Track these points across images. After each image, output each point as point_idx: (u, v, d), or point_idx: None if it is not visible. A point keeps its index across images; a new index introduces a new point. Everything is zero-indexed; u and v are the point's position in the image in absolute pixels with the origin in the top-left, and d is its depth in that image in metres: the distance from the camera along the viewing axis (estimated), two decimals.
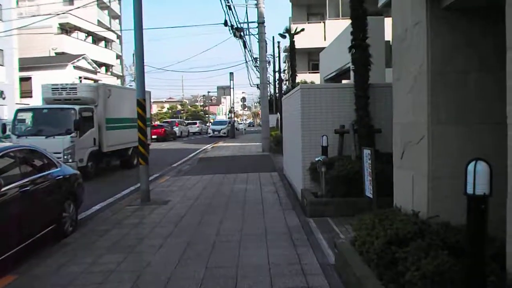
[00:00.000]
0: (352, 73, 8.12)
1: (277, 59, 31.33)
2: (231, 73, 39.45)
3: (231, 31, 19.06)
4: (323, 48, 26.92)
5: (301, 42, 24.84)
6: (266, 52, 22.00)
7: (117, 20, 63.16)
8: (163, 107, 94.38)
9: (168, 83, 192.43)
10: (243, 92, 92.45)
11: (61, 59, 37.49)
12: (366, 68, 7.69)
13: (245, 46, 22.78)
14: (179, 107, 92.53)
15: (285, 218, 7.07)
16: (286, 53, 60.61)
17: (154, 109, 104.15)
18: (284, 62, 51.17)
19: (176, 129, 44.28)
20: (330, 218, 6.91)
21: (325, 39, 27.24)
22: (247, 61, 29.97)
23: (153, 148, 30.17)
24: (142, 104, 8.83)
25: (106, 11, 57.71)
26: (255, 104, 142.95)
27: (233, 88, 40.51)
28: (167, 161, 19.39)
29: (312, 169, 7.87)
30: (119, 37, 62.48)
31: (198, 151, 25.00)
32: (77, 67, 37.38)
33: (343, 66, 13.16)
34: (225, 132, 41.18)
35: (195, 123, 57.16)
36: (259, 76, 55.08)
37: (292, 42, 21.36)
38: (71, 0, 51.66)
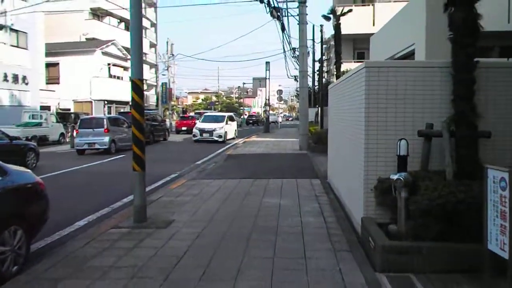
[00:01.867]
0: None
1: (318, 46, 28.39)
2: (267, 63, 36.81)
3: (267, 10, 16.39)
4: (372, 34, 23.95)
5: (346, 28, 21.94)
6: (307, 37, 19.18)
7: (152, 8, 61.53)
8: (197, 98, 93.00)
9: (203, 72, 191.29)
10: (279, 85, 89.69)
11: (89, 45, 35.89)
12: (473, 36, 4.92)
13: (283, 30, 20.07)
14: (214, 98, 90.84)
15: (341, 272, 4.40)
16: (325, 45, 57.51)
17: (189, 99, 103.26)
18: (324, 54, 48.08)
19: None
20: (416, 277, 4.22)
21: (374, 24, 24.28)
22: (285, 51, 27.24)
23: (182, 140, 28.10)
24: (138, 87, 6.35)
25: None
26: (292, 97, 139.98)
27: (269, 79, 37.83)
28: (192, 157, 17.09)
29: (382, 190, 5.17)
30: (154, 25, 60.94)
31: (228, 146, 22.59)
32: (106, 53, 35.69)
33: (405, 48, 10.32)
34: (220, 135, 24.68)
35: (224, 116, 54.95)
36: (297, 67, 52.46)
37: (337, 25, 18.51)
38: None
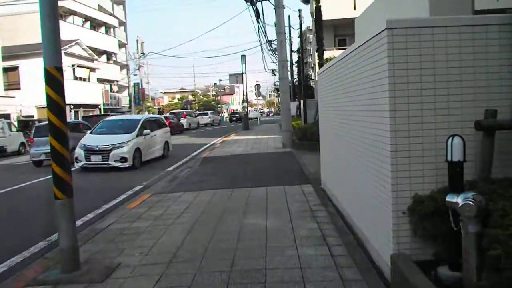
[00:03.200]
0: None
1: (294, 36, 26.59)
2: (243, 56, 34.86)
3: None
4: (353, 18, 22.32)
5: (325, 13, 20.26)
6: (284, 23, 17.34)
7: (120, 6, 58.96)
8: (174, 98, 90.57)
9: (178, 71, 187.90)
10: (257, 81, 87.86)
11: None
12: None
13: (258, 17, 18.19)
14: (190, 97, 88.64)
15: None
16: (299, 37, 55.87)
17: (165, 100, 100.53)
18: (299, 42, 46.36)
19: (183, 120, 40.09)
20: None
21: (355, 8, 22.56)
22: (261, 44, 25.40)
23: None
24: (55, 78, 4.42)
25: None
26: (270, 93, 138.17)
27: (245, 73, 35.91)
28: (164, 162, 15.14)
29: (421, 215, 3.36)
30: (123, 23, 58.37)
31: (204, 147, 20.66)
32: (69, 54, 33.21)
33: None
34: (123, 156, 14.09)
35: (206, 114, 53.50)
36: (274, 61, 50.73)
37: (318, 8, 16.76)
38: None
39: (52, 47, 4.42)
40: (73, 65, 33.36)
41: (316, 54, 19.26)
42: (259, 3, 17.86)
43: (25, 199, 10.11)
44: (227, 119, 73.26)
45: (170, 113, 45.96)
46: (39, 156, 16.61)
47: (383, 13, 9.88)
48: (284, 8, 16.86)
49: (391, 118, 3.57)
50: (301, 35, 22.18)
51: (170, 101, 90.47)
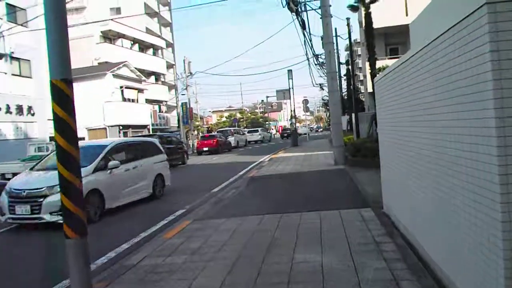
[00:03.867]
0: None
1: (343, 47, 25.52)
2: (290, 71, 34.06)
3: (283, 3, 13.70)
4: (405, 25, 21.04)
5: (375, 21, 19.12)
6: (332, 33, 16.36)
7: (168, 28, 60.12)
8: (222, 116, 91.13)
9: (226, 89, 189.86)
10: (304, 96, 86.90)
11: (100, 68, 33.99)
12: None
13: (303, 27, 17.33)
14: (238, 115, 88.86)
15: None
16: (348, 51, 54.51)
17: (214, 118, 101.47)
18: (346, 56, 45.01)
19: (231, 139, 39.67)
20: None
21: (407, 14, 21.30)
22: (308, 58, 24.48)
23: (201, 163, 25.54)
24: (62, 93, 3.69)
25: (155, 19, 54.62)
26: (318, 108, 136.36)
27: (292, 88, 35.05)
28: (210, 183, 14.43)
29: None
30: (170, 45, 59.36)
31: (252, 165, 19.84)
32: (118, 76, 33.66)
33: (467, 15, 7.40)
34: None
35: (257, 131, 53.54)
36: (321, 75, 49.45)
37: (367, 15, 15.69)
38: (118, 9, 49.04)
39: (58, 57, 3.69)
40: (121, 87, 33.79)
41: (367, 63, 18.11)
42: (305, 13, 16.98)
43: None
44: (275, 135, 72.63)
45: (218, 131, 45.91)
46: None
47: (441, 15, 8.76)
48: (332, 17, 15.90)
49: (498, 126, 2.53)
50: (350, 44, 21.08)
51: (218, 119, 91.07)
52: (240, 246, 5.81)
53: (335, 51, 25.85)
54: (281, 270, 4.70)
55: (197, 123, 73.62)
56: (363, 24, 21.81)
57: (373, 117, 15.62)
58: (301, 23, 16.92)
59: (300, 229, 6.48)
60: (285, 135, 59.83)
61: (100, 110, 31.94)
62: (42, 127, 26.49)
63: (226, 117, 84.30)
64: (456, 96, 3.14)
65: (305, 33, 18.35)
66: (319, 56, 40.11)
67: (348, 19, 20.71)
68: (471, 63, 2.82)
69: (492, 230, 2.68)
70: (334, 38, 20.22)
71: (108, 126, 32.18)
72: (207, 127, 77.16)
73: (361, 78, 51.73)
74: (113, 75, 32.89)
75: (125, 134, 32.56)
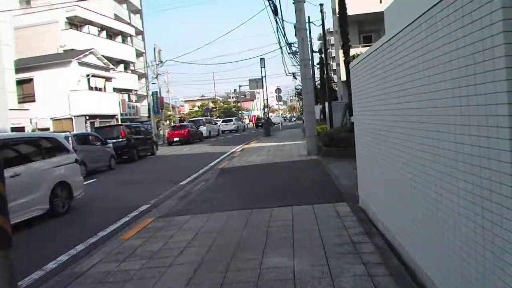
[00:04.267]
0: None
1: (316, 36, 25.03)
2: (262, 59, 33.48)
3: None
4: (379, 13, 20.68)
5: (349, 8, 18.69)
6: (305, 18, 15.79)
7: (137, 15, 58.39)
8: (194, 106, 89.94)
9: (198, 77, 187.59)
10: (277, 86, 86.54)
11: (65, 56, 32.54)
12: None
13: (275, 13, 16.70)
14: (211, 104, 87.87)
15: None
16: (321, 41, 54.26)
17: (186, 108, 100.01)
18: (319, 45, 44.55)
19: (203, 128, 39.00)
20: None
21: (381, 1, 20.92)
22: (281, 46, 23.91)
23: (171, 154, 24.74)
24: None
25: (124, 5, 52.93)
26: (291, 98, 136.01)
27: (265, 77, 34.55)
28: (179, 175, 13.81)
29: None
30: (140, 32, 57.73)
31: (223, 156, 19.25)
32: (84, 64, 32.30)
33: None
34: None
35: (231, 120, 53.72)
36: (294, 64, 49.22)
37: (342, 1, 15.15)
38: None
39: None
40: (87, 75, 32.46)
41: (341, 51, 17.67)
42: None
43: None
44: (248, 125, 72.07)
45: (190, 121, 45.10)
46: None
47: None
48: (305, 2, 15.34)
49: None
50: (323, 30, 20.55)
51: (190, 109, 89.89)
52: (204, 249, 5.23)
53: (308, 38, 25.37)
54: (247, 278, 4.14)
55: (168, 112, 72.40)
56: (337, 11, 21.36)
57: (347, 106, 15.21)
58: (273, 8, 16.29)
59: (271, 228, 5.94)
60: (260, 124, 59.53)
61: (66, 100, 30.63)
62: (2, 117, 25.14)
63: (198, 106, 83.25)
64: (455, 79, 2.61)
65: (278, 19, 17.75)
66: (292, 44, 39.69)
67: (321, 5, 20.16)
68: (479, 35, 2.29)
69: (498, 237, 2.17)
70: (307, 25, 19.63)
71: (74, 116, 30.91)
72: (179, 117, 75.93)
73: (334, 67, 51.54)
74: (78, 62, 31.52)
75: (92, 124, 31.39)
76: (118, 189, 12.55)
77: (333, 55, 50.40)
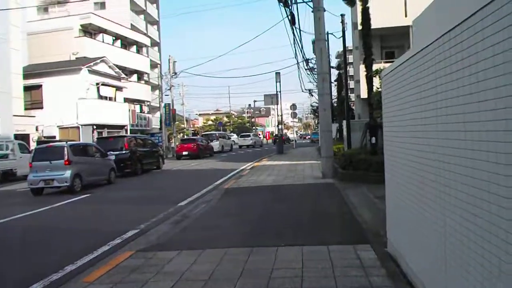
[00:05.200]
0: None
1: (335, 50, 23.72)
2: (277, 73, 32.31)
3: None
4: (404, 27, 19.37)
5: (371, 21, 17.43)
6: (324, 28, 14.51)
7: (155, 26, 57.98)
8: (208, 119, 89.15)
9: (213, 90, 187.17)
10: (292, 103, 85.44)
11: (75, 63, 31.75)
12: None
13: (293, 23, 15.47)
14: (225, 119, 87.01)
15: None
16: (339, 59, 52.83)
17: (200, 122, 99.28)
18: (337, 60, 43.28)
19: (215, 143, 38.01)
20: None
21: (406, 15, 19.60)
22: (298, 62, 22.74)
23: (177, 168, 23.44)
24: None
25: (142, 16, 52.51)
26: (306, 115, 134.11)
27: (280, 92, 33.32)
28: (179, 193, 12.62)
29: None
30: (156, 43, 57.24)
31: (231, 173, 17.97)
32: (94, 72, 31.43)
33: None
34: None
35: (248, 135, 53.56)
36: (311, 81, 47.77)
37: (364, 10, 13.87)
38: (103, 3, 46.90)
39: None
40: (97, 84, 31.53)
41: (361, 66, 16.36)
42: (295, 6, 15.14)
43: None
44: (263, 141, 70.83)
45: (203, 135, 44.23)
46: (38, 183, 14.33)
47: (448, 10, 6.97)
48: (325, 10, 14.09)
49: None
50: (344, 42, 19.19)
51: (204, 122, 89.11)
52: None
53: (327, 55, 24.10)
54: None
55: (182, 126, 71.49)
56: (359, 24, 20.08)
57: (368, 125, 13.81)
58: (290, 17, 15.06)
59: (273, 279, 4.55)
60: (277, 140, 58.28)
61: (74, 108, 29.70)
62: (7, 123, 24.25)
63: (212, 120, 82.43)
64: None
65: (295, 29, 16.50)
66: (309, 60, 38.47)
67: (342, 15, 18.87)
68: None
69: None
70: (326, 36, 18.28)
71: (81, 125, 29.93)
72: (193, 130, 75.07)
73: (351, 86, 50.13)
74: (88, 70, 30.64)
75: (99, 134, 30.38)
76: (110, 208, 11.30)
77: (351, 73, 49.08)
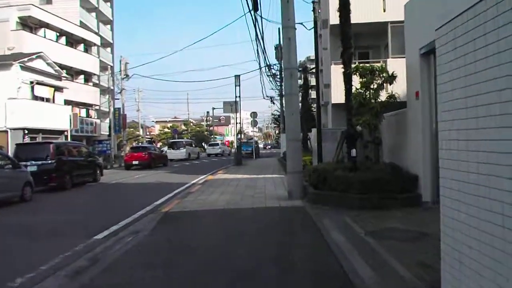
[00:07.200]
0: None
1: (301, 46, 21.08)
2: (237, 76, 29.47)
3: None
4: (383, 24, 17.04)
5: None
6: (294, 14, 11.74)
7: (108, 26, 54.02)
8: (165, 127, 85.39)
9: (173, 96, 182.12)
10: (253, 112, 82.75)
11: (7, 58, 27.70)
12: None
13: (255, 9, 12.64)
14: (183, 127, 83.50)
15: None
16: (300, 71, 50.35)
17: (157, 129, 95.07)
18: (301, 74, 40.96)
19: (182, 151, 38.02)
20: None
21: (384, 10, 17.20)
22: (260, 65, 19.84)
23: (117, 182, 19.81)
24: None
25: (93, 13, 48.55)
26: (266, 125, 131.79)
27: (239, 97, 30.46)
28: (103, 218, 9.57)
29: None
30: (109, 44, 53.30)
31: (178, 189, 14.96)
32: (28, 68, 27.46)
33: None
34: None
35: (217, 144, 54.34)
36: (273, 87, 45.36)
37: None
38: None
39: None
40: (31, 82, 27.60)
41: (332, 66, 13.73)
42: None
43: None
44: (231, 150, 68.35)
45: (171, 142, 44.23)
46: None
47: None
48: None
49: None
50: (316, 33, 16.51)
51: (160, 130, 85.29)
52: None
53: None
54: None
55: (137, 133, 67.37)
56: (330, 20, 17.60)
57: (344, 134, 11.11)
58: (253, 1, 12.22)
59: None
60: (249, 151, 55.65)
61: (2, 109, 25.73)
62: None
63: (168, 128, 78.75)
64: None
65: (257, 18, 13.66)
66: (272, 66, 35.88)
67: (313, 2, 16.11)
68: None
69: None
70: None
71: (10, 129, 25.93)
72: (149, 138, 71.19)
73: (313, 96, 47.89)
74: (21, 66, 26.67)
75: (32, 140, 26.47)
76: None
77: (313, 83, 46.85)
